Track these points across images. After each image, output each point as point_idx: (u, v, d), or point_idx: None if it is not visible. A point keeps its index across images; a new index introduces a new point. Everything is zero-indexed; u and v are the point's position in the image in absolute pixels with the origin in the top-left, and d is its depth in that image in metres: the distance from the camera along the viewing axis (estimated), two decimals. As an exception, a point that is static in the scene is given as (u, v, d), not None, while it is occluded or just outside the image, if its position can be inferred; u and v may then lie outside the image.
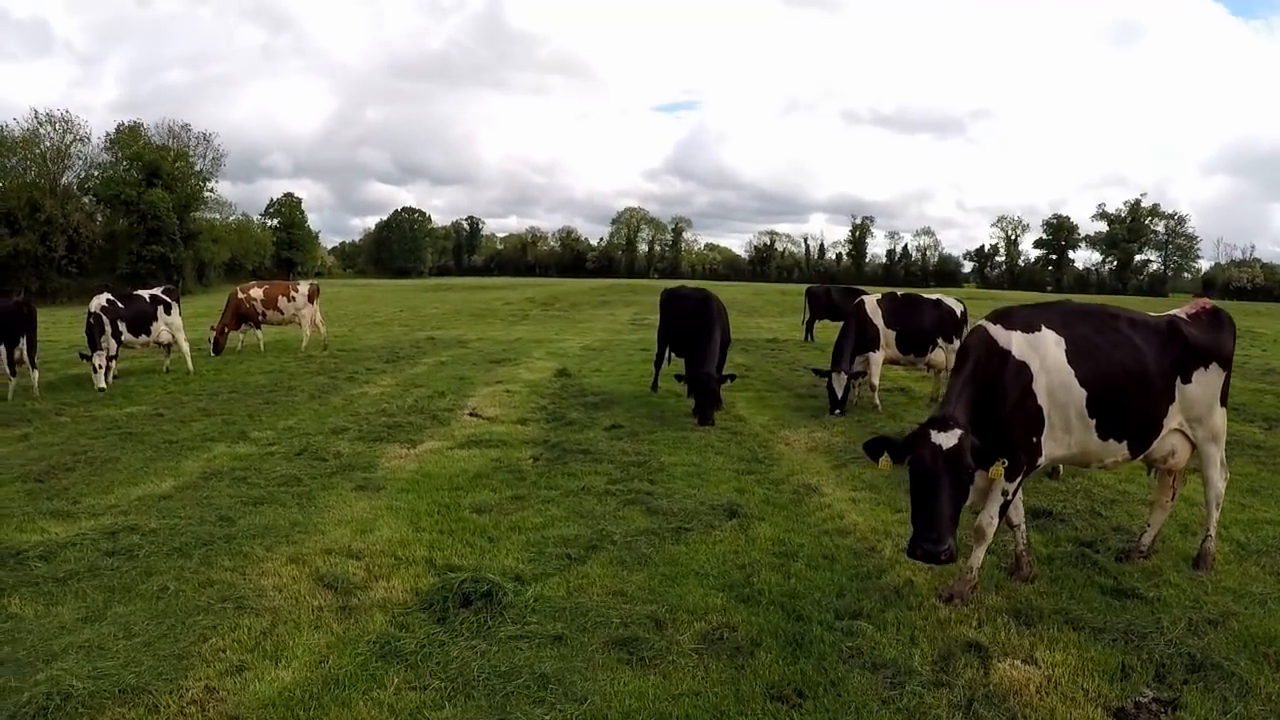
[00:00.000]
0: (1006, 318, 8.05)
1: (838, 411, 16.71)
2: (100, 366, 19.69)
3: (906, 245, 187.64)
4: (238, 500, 10.72)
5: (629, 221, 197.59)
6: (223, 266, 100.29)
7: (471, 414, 16.78)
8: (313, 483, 11.55)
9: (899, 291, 19.33)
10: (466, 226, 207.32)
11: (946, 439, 6.95)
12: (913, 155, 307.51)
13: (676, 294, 19.36)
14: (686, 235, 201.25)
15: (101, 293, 21.91)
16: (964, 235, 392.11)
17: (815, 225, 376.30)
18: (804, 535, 9.67)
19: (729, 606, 7.65)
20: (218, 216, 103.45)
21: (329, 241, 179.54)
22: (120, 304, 21.38)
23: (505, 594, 7.52)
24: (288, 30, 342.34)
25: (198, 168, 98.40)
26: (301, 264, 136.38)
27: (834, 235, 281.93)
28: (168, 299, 22.62)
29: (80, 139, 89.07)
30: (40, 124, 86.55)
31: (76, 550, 8.83)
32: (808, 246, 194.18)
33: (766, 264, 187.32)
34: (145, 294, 22.49)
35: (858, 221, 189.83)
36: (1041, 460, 7.94)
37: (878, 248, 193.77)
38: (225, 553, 8.81)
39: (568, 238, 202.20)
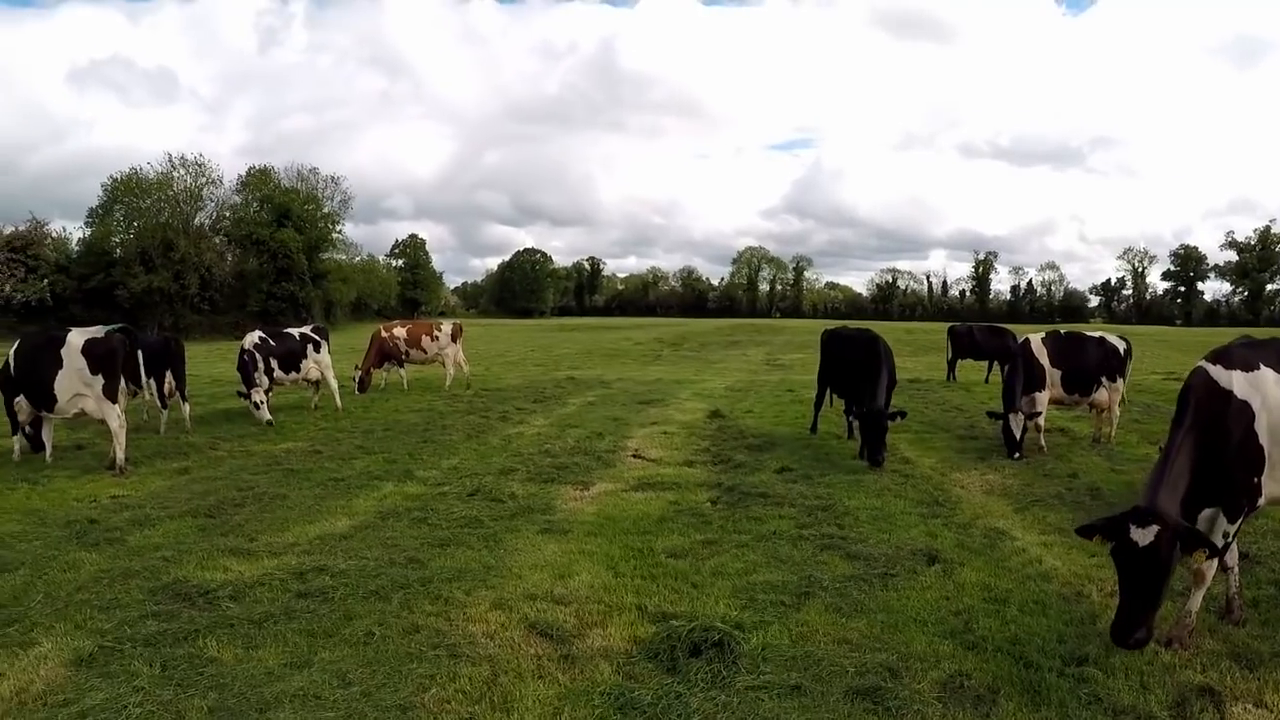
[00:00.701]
0: (1225, 357, 7.72)
1: (1017, 455, 16.01)
2: (260, 403, 19.83)
3: (1031, 280, 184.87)
4: (422, 541, 10.38)
5: (749, 261, 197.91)
6: (349, 305, 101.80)
7: (635, 455, 16.39)
8: (495, 524, 11.18)
9: (1062, 329, 18.66)
10: (588, 267, 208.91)
11: (1144, 536, 6.72)
12: (1032, 187, 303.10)
13: (839, 334, 18.85)
14: (807, 274, 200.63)
15: (253, 330, 22.02)
16: (1087, 269, 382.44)
17: (935, 262, 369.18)
18: (1008, 580, 9.15)
19: (958, 654, 7.24)
20: (344, 257, 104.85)
21: (451, 282, 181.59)
22: (272, 341, 21.41)
23: (737, 643, 7.07)
24: (405, 77, 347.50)
25: (326, 209, 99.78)
26: (426, 304, 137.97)
27: (955, 272, 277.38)
28: (317, 337, 22.63)
29: (212, 181, 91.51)
30: (174, 167, 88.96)
31: (267, 590, 8.56)
32: (930, 284, 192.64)
33: (889, 302, 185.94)
34: (295, 332, 22.55)
35: (980, 257, 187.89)
36: (1261, 501, 7.57)
37: (1000, 284, 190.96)
38: (424, 596, 8.45)
39: (689, 278, 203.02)
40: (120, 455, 14.91)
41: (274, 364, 21.23)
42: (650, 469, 15.19)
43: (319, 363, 22.47)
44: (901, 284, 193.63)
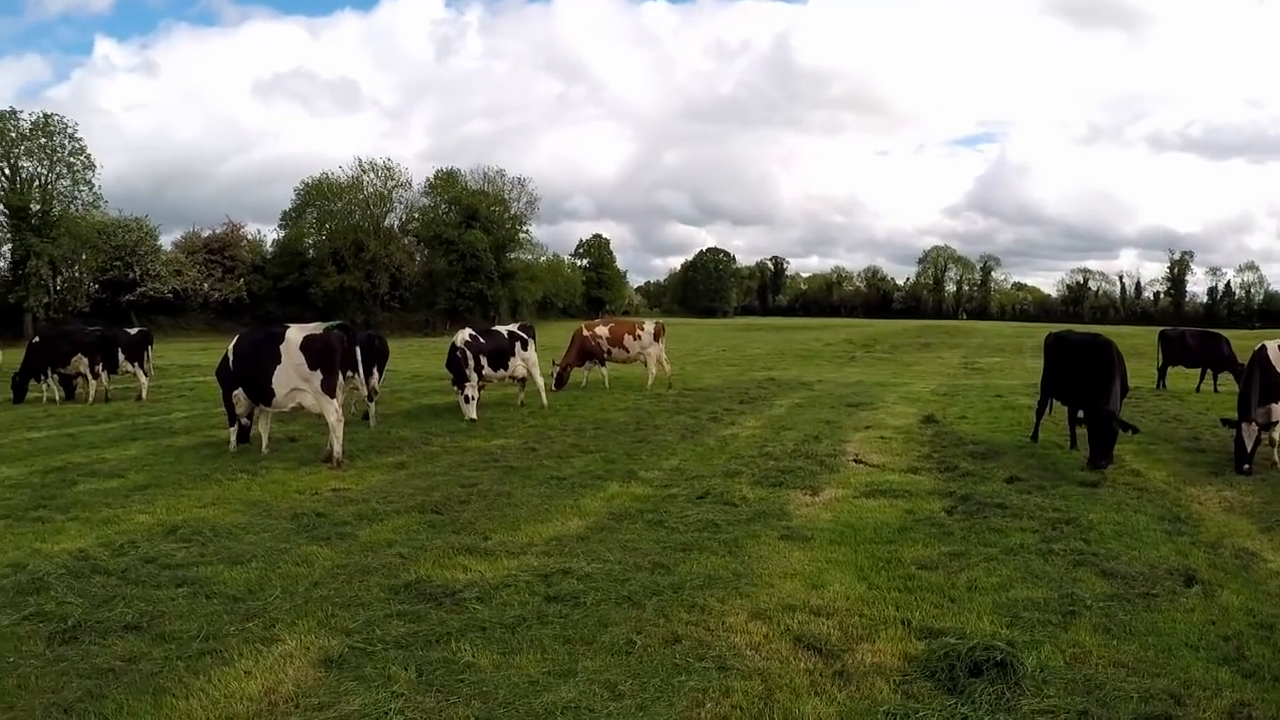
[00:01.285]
0: None
1: (1246, 467, 15.25)
2: (471, 398, 19.98)
3: (1229, 282, 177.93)
4: (663, 545, 10.15)
5: (936, 260, 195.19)
6: (534, 304, 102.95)
7: (856, 460, 16.01)
8: (733, 529, 10.88)
9: (1294, 334, 17.69)
10: (771, 266, 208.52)
11: None
12: (1227, 181, 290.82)
13: (1066, 339, 18.15)
14: (995, 274, 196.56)
15: (464, 328, 22.30)
16: None
17: (1125, 261, 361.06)
18: (1271, 605, 8.54)
19: (1236, 682, 6.74)
20: (530, 257, 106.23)
21: (634, 281, 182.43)
22: (482, 339, 21.63)
23: (1020, 664, 6.72)
24: (581, 80, 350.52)
25: (513, 211, 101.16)
26: (610, 303, 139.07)
27: (1147, 272, 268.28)
28: (525, 335, 22.83)
29: (401, 184, 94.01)
30: (364, 171, 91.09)
31: (514, 593, 8.42)
32: (1123, 285, 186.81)
33: (1079, 304, 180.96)
34: (504, 330, 22.78)
35: (1175, 257, 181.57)
36: None
37: (1196, 285, 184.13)
38: (678, 604, 8.18)
39: (873, 277, 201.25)
40: (338, 449, 15.18)
41: (484, 361, 21.41)
42: (875, 475, 14.78)
43: (525, 360, 22.65)
44: (1093, 285, 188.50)
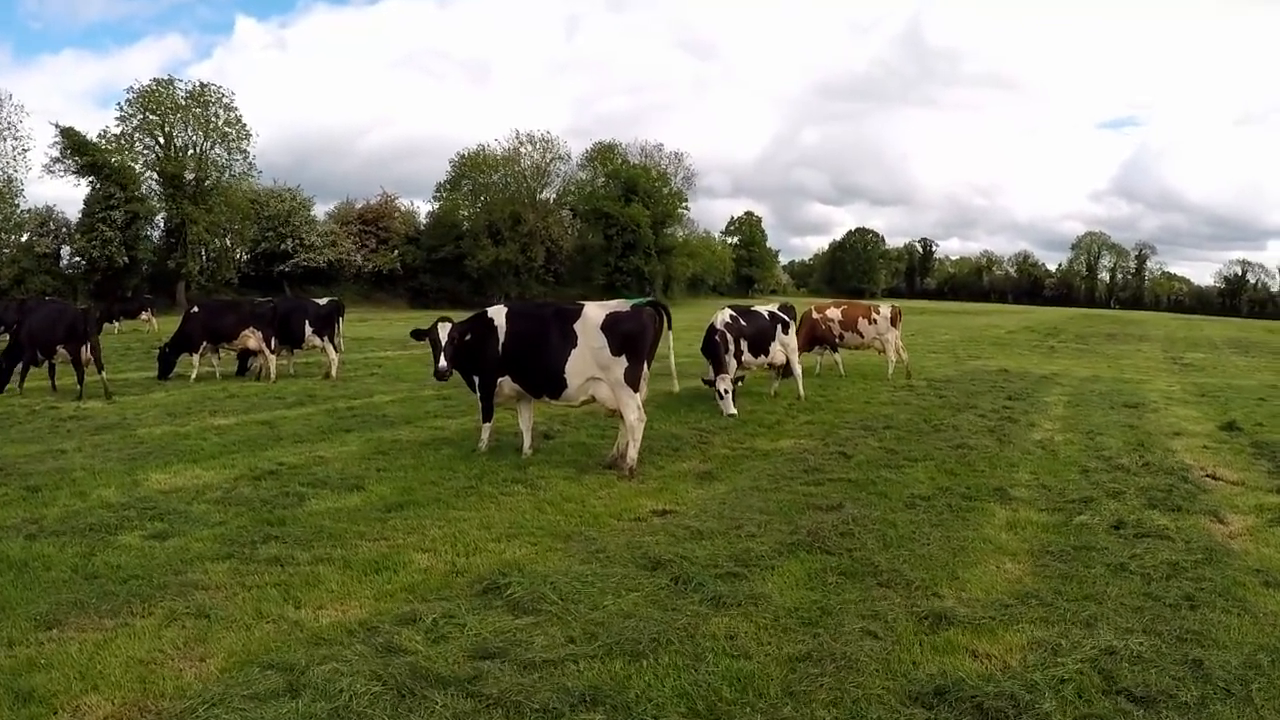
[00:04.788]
0: None
1: None
2: (727, 391, 17.68)
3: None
4: (1158, 601, 8.05)
5: (1089, 247, 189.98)
6: (685, 281, 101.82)
7: (1211, 477, 13.91)
8: (1211, 578, 8.68)
9: None
10: (919, 248, 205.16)
11: None
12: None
13: None
14: (1149, 263, 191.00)
15: (724, 309, 20.13)
16: None
17: (1274, 253, 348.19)
18: None
19: None
20: (685, 232, 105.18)
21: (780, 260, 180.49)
22: (743, 321, 19.64)
23: None
24: (715, 58, 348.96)
25: (672, 186, 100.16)
26: (760, 281, 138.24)
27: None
28: (785, 317, 20.76)
29: (560, 157, 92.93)
30: (521, 143, 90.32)
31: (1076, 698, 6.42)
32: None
33: (1237, 296, 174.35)
34: (765, 310, 20.69)
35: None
36: None
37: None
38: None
39: (1024, 263, 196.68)
40: (633, 454, 12.84)
41: (744, 345, 19.46)
42: (1250, 496, 12.70)
43: (785, 345, 20.59)
44: (1250, 277, 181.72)
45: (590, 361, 12.96)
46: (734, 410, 17.62)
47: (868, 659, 6.57)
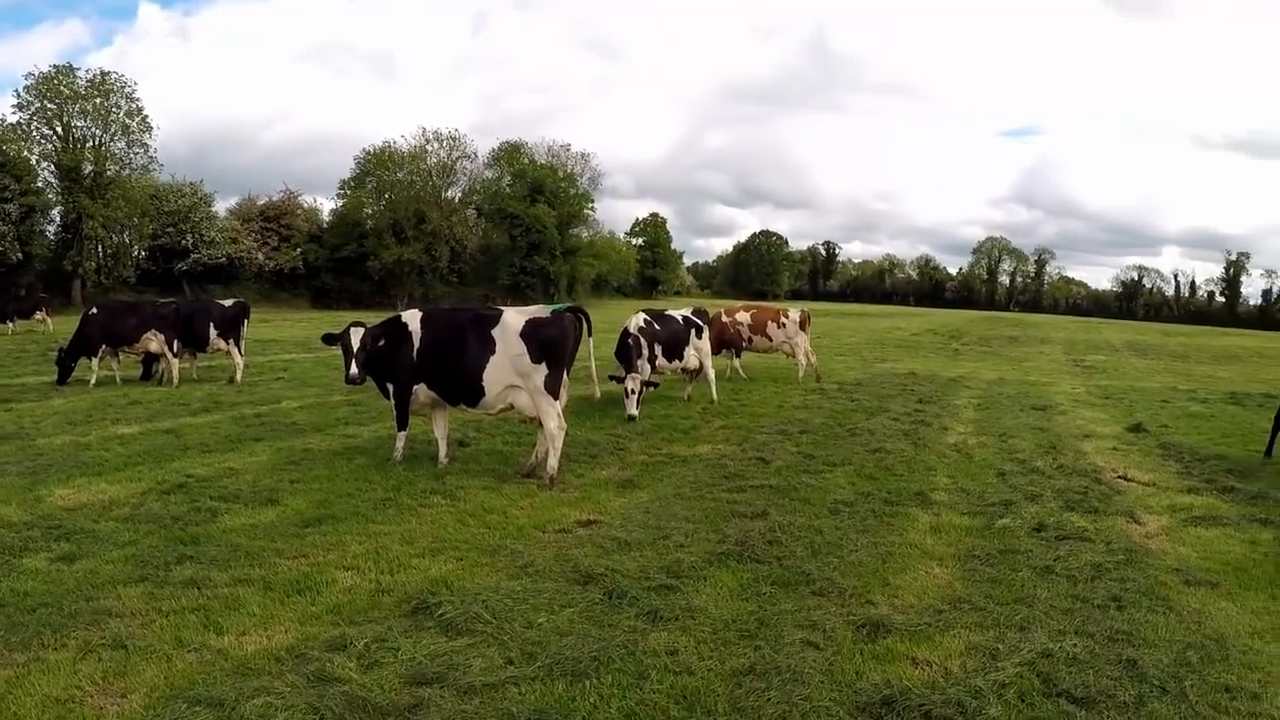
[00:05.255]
0: None
1: None
2: (634, 391, 17.69)
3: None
4: (1087, 603, 8.16)
5: (990, 251, 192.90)
6: (590, 282, 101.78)
7: (1123, 478, 14.21)
8: (1134, 578, 8.88)
9: None
10: (823, 251, 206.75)
11: None
12: (1270, 182, 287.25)
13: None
14: (1048, 268, 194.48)
15: (638, 313, 20.11)
16: None
17: (1168, 259, 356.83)
18: None
19: None
20: (590, 233, 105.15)
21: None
22: (657, 325, 19.63)
23: None
24: (619, 59, 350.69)
25: (579, 187, 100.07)
26: (664, 283, 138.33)
27: (1189, 270, 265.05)
28: (700, 321, 20.77)
29: (467, 155, 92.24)
30: (428, 140, 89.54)
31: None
32: (1177, 284, 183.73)
33: (1133, 300, 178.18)
34: (679, 315, 20.69)
35: (1231, 257, 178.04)
36: None
37: (1248, 287, 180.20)
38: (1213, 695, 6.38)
39: (925, 266, 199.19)
40: (554, 462, 12.55)
41: (658, 350, 19.46)
42: (1161, 496, 13.09)
43: (699, 350, 20.61)
44: (1147, 282, 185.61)
45: (509, 369, 12.65)
46: (635, 412, 17.60)
47: (811, 670, 6.54)
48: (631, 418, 17.51)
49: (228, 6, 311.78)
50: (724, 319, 26.26)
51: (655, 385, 18.48)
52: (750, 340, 26.48)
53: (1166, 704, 6.21)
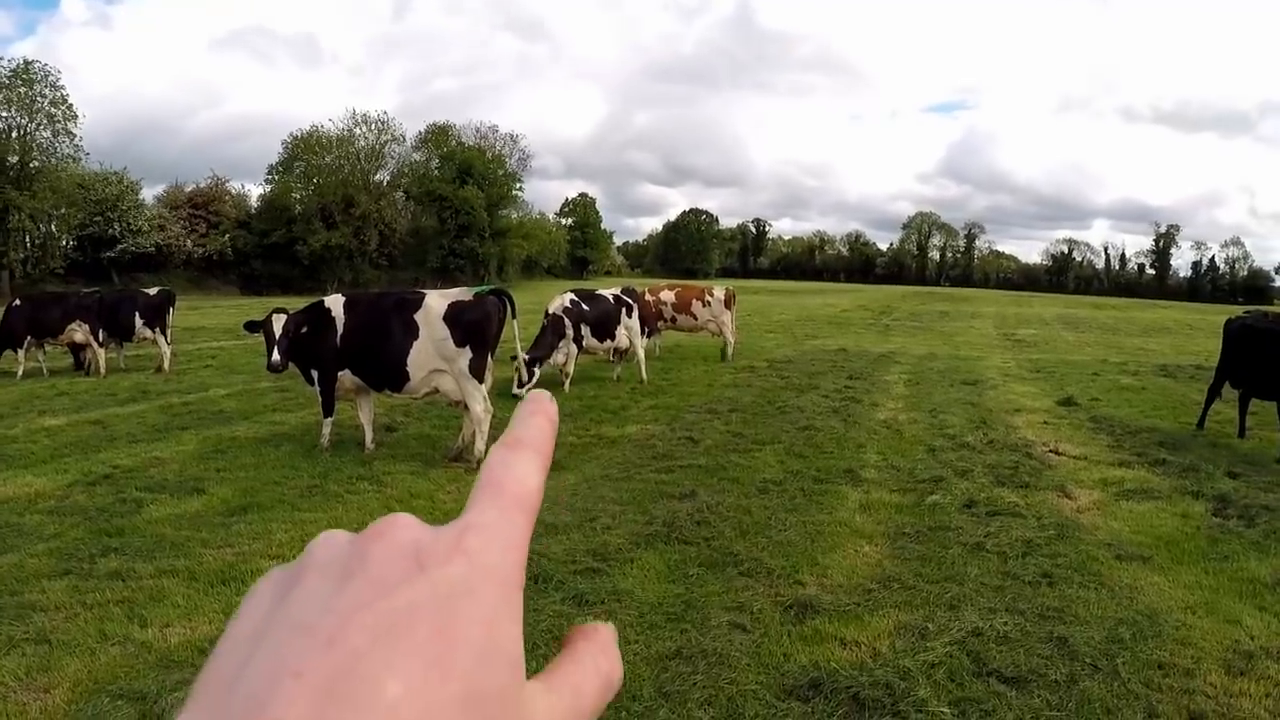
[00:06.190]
0: None
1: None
2: (535, 376, 17.48)
3: (1214, 257, 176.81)
4: (1016, 580, 8.09)
5: (919, 227, 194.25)
6: (520, 263, 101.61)
7: (1054, 452, 14.18)
8: (1066, 553, 8.83)
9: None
10: (753, 229, 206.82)
11: None
12: (1198, 155, 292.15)
13: (1255, 327, 16.25)
14: (978, 242, 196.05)
15: (565, 293, 19.89)
16: (1259, 245, 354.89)
17: (1098, 232, 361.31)
18: None
19: None
20: (519, 215, 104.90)
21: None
22: (585, 305, 19.43)
23: None
24: (543, 40, 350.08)
25: (507, 168, 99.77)
26: (594, 263, 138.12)
27: (1118, 243, 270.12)
28: (630, 300, 20.60)
29: (395, 139, 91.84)
30: (357, 124, 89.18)
31: (955, 683, 6.49)
32: (1108, 256, 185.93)
33: (1064, 274, 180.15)
34: (608, 294, 20.50)
35: (1161, 230, 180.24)
36: None
37: (1178, 259, 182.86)
38: (1141, 666, 6.34)
39: (855, 242, 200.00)
40: (481, 446, 12.29)
41: (584, 330, 19.24)
42: (1094, 471, 12.96)
43: (630, 329, 20.44)
44: (1076, 256, 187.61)
45: (433, 353, 12.38)
46: (519, 391, 16.85)
47: (738, 654, 6.43)
48: (515, 395, 16.78)
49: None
50: (648, 297, 26.01)
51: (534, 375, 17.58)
52: (675, 319, 26.29)
53: (1098, 682, 6.12)
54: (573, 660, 0.63)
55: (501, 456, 0.64)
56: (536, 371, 17.57)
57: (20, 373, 21.52)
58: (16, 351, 21.71)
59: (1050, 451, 14.21)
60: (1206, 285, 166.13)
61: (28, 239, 70.99)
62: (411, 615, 0.53)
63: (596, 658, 0.64)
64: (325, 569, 0.58)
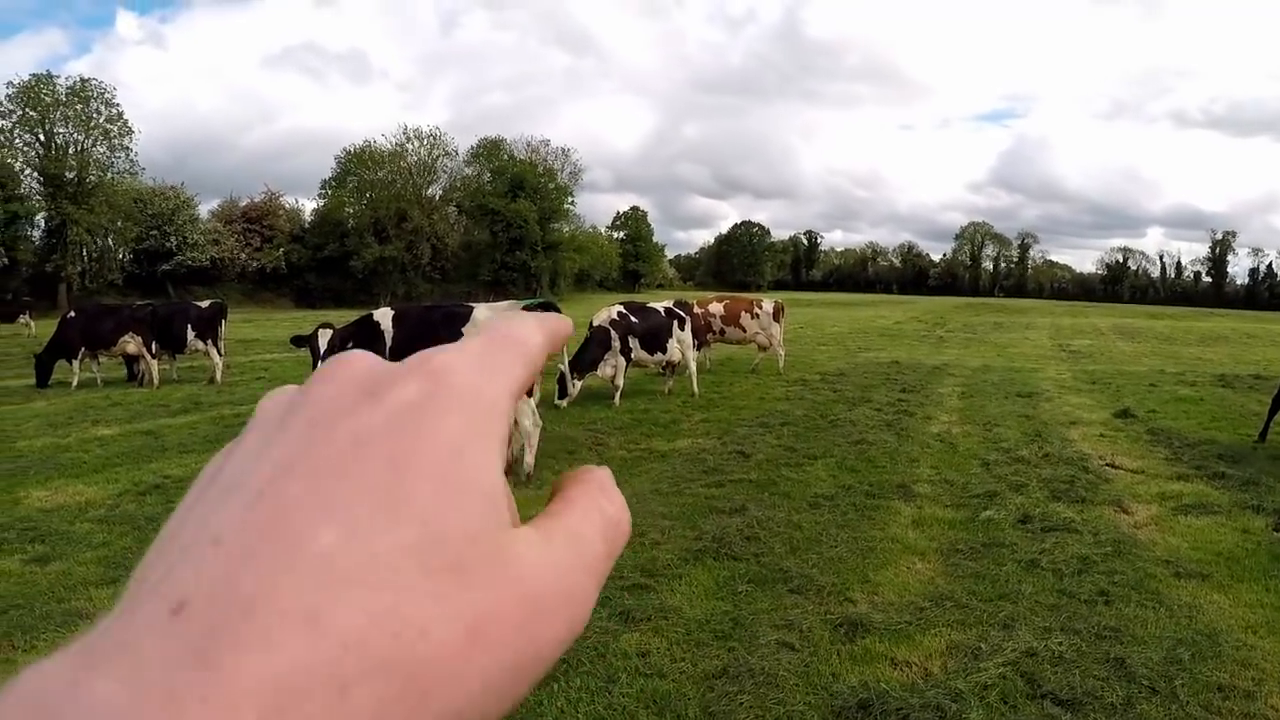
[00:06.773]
0: None
1: None
2: (578, 385, 17.74)
3: (1271, 264, 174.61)
4: (1073, 598, 7.91)
5: (973, 237, 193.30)
6: (572, 276, 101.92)
7: (1111, 465, 13.90)
8: (1123, 571, 8.62)
9: None
10: (805, 240, 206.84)
11: None
12: (1251, 159, 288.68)
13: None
14: (1032, 252, 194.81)
15: (613, 305, 19.82)
16: None
17: (1153, 240, 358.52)
18: None
19: None
20: (571, 228, 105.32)
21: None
22: (634, 317, 19.34)
23: None
24: (591, 53, 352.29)
25: (559, 181, 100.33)
26: (646, 276, 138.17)
27: (1174, 251, 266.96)
28: (681, 313, 20.50)
29: (447, 153, 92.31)
30: (409, 139, 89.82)
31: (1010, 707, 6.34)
32: (1163, 265, 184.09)
33: (1119, 283, 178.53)
34: (660, 307, 20.40)
35: (1218, 237, 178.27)
36: None
37: (1234, 266, 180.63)
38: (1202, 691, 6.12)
39: (908, 253, 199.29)
40: (530, 459, 12.30)
41: (633, 343, 19.14)
42: (1150, 484, 12.70)
43: (682, 342, 20.34)
44: (1132, 264, 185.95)
45: None
46: (560, 403, 17.56)
47: (786, 673, 6.31)
48: (558, 404, 17.45)
49: (200, 13, 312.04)
50: (696, 310, 25.88)
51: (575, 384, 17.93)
52: (724, 331, 26.15)
53: (1156, 705, 5.96)
54: (565, 502, 0.54)
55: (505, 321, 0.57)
56: (578, 382, 17.58)
57: (75, 383, 21.88)
58: (71, 362, 21.99)
59: (1107, 465, 13.94)
60: (1264, 292, 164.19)
61: (85, 252, 72.27)
62: (358, 450, 0.45)
63: (596, 497, 0.55)
64: (265, 423, 0.51)
